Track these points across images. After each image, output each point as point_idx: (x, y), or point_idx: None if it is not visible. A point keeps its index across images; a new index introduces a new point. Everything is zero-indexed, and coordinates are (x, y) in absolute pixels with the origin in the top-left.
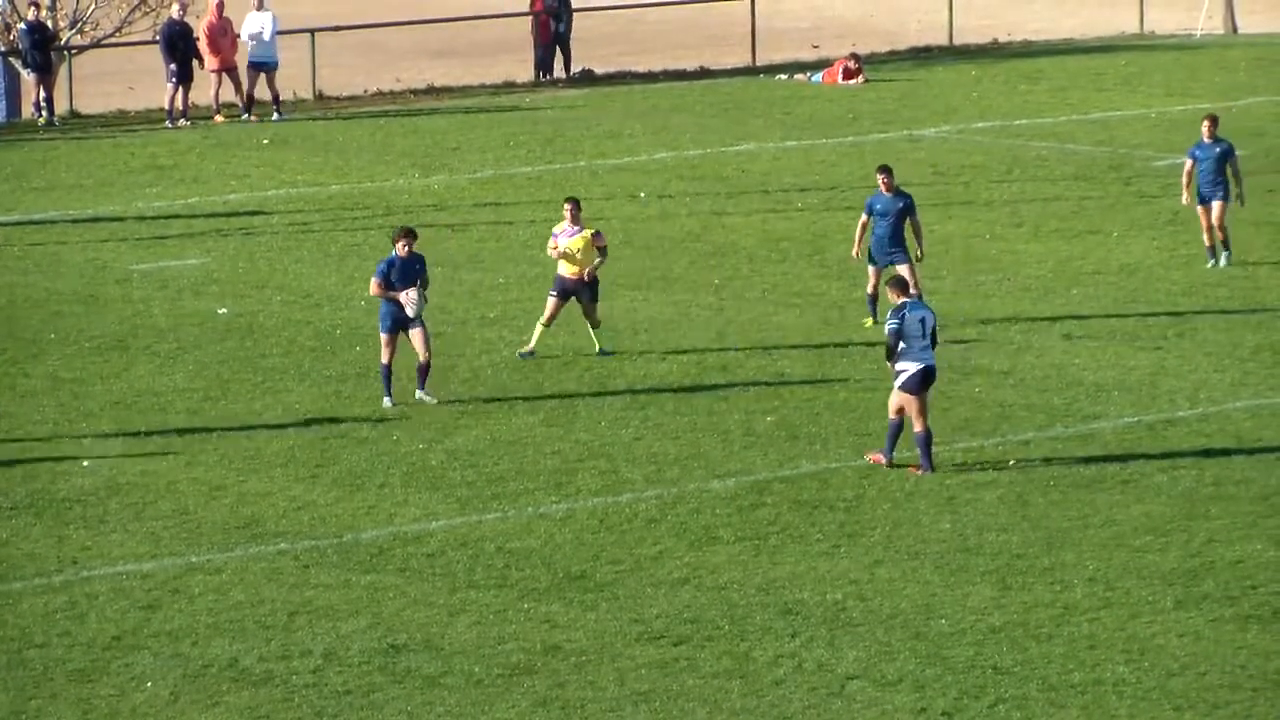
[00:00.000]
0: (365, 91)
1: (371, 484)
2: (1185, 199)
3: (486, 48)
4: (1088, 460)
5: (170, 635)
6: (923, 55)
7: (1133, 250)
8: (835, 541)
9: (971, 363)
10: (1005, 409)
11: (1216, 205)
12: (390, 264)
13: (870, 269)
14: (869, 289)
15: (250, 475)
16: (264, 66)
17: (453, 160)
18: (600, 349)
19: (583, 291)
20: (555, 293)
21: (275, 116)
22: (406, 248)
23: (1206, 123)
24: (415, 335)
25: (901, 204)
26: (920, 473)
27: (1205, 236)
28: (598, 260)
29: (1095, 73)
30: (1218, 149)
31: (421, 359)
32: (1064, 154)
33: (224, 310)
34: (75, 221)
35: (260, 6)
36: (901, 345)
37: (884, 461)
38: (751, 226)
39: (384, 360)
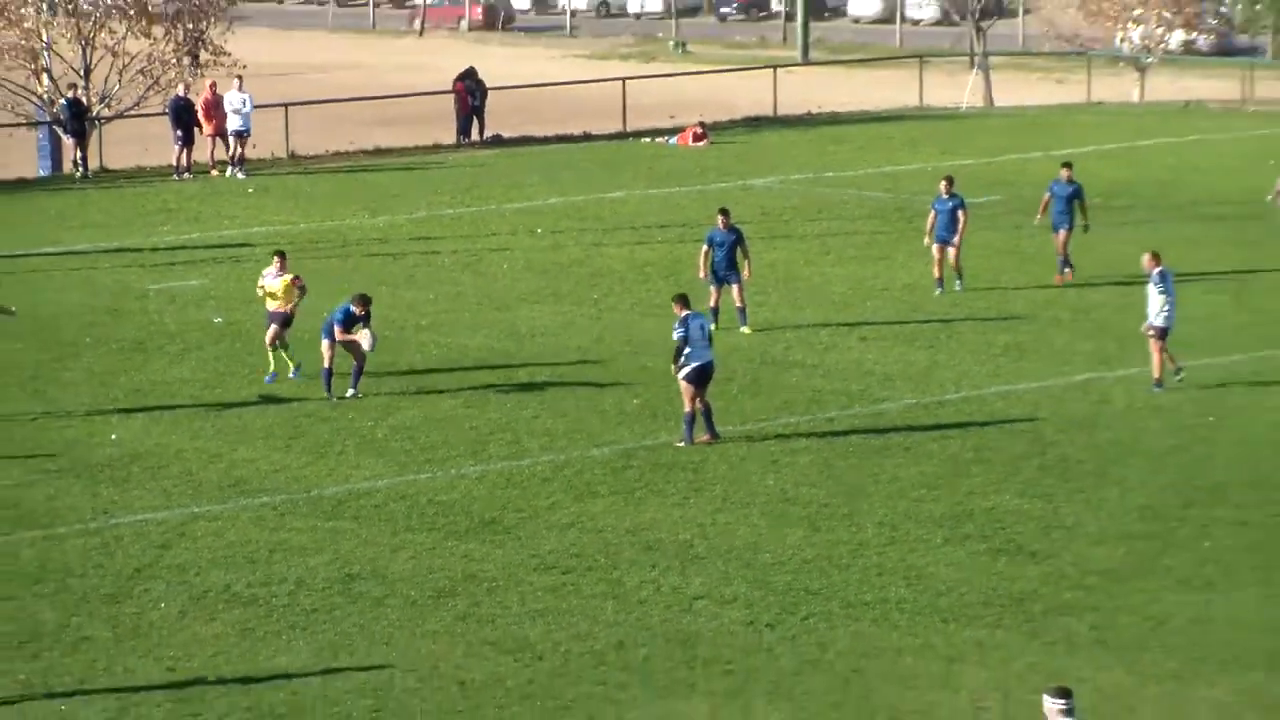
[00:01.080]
0: (326, 151)
1: (332, 452)
2: (926, 240)
3: (419, 118)
4: (878, 432)
5: (179, 568)
6: (754, 123)
7: (912, 272)
8: (685, 495)
9: (789, 358)
10: (815, 393)
11: (951, 249)
12: (346, 313)
13: (712, 287)
14: (711, 303)
15: (240, 445)
16: (241, 134)
17: (393, 205)
18: (298, 366)
19: (281, 321)
20: (271, 324)
21: (240, 174)
22: (363, 307)
23: (944, 182)
24: (355, 348)
25: (734, 236)
26: (709, 442)
27: (936, 269)
28: (298, 297)
29: (885, 137)
30: (952, 203)
31: (357, 363)
32: (861, 199)
33: (219, 319)
34: (104, 251)
35: (240, 87)
36: (687, 349)
37: (692, 443)
38: (622, 255)
39: (325, 364)
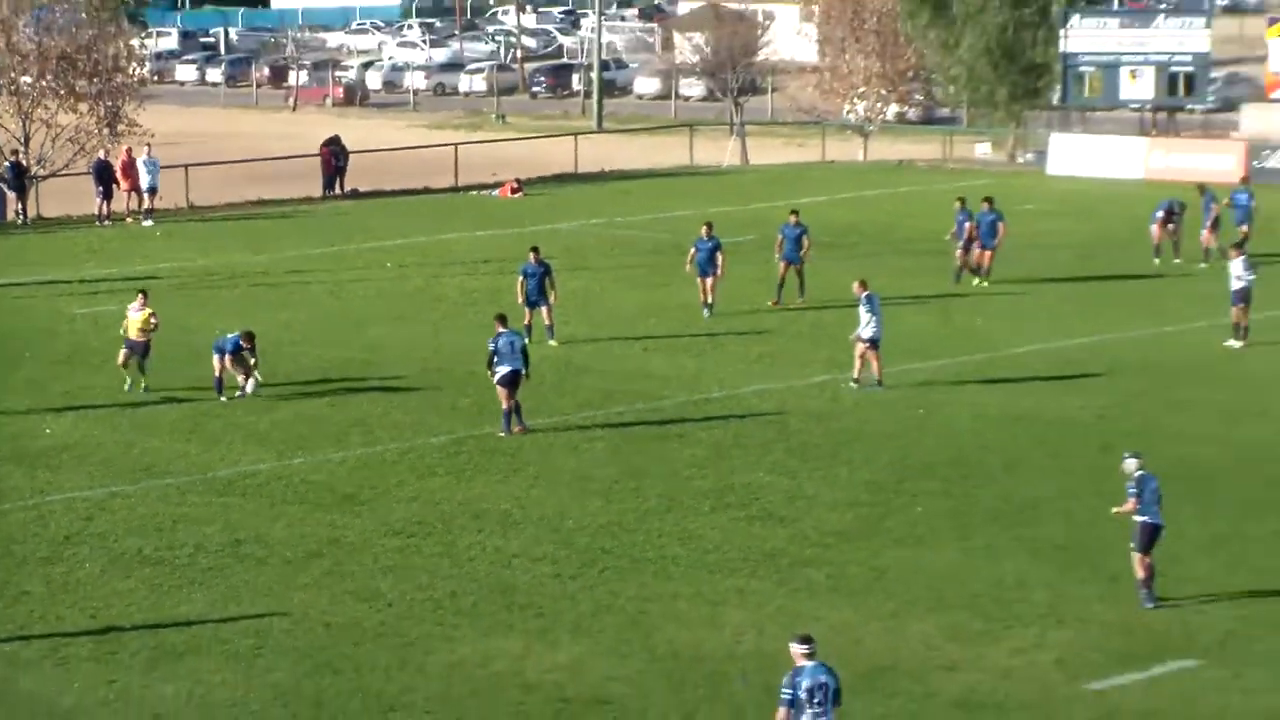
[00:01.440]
0: (219, 203)
1: (224, 442)
2: (688, 269)
3: (293, 175)
4: (657, 423)
5: (100, 535)
6: (559, 179)
7: (685, 296)
8: (505, 474)
9: (588, 365)
10: (608, 393)
11: (710, 279)
12: (236, 345)
13: (526, 310)
14: (525, 322)
15: (149, 437)
16: (152, 190)
17: (272, 245)
18: (145, 387)
19: (141, 350)
20: (126, 349)
21: (148, 222)
22: (249, 343)
23: (705, 226)
24: (234, 362)
25: (543, 269)
26: (522, 432)
27: (700, 295)
28: (153, 329)
29: (663, 189)
30: (711, 243)
31: (251, 377)
32: (645, 238)
33: None
34: (40, 283)
35: (150, 152)
36: (501, 357)
37: (509, 433)
38: (455, 284)
39: (216, 374)
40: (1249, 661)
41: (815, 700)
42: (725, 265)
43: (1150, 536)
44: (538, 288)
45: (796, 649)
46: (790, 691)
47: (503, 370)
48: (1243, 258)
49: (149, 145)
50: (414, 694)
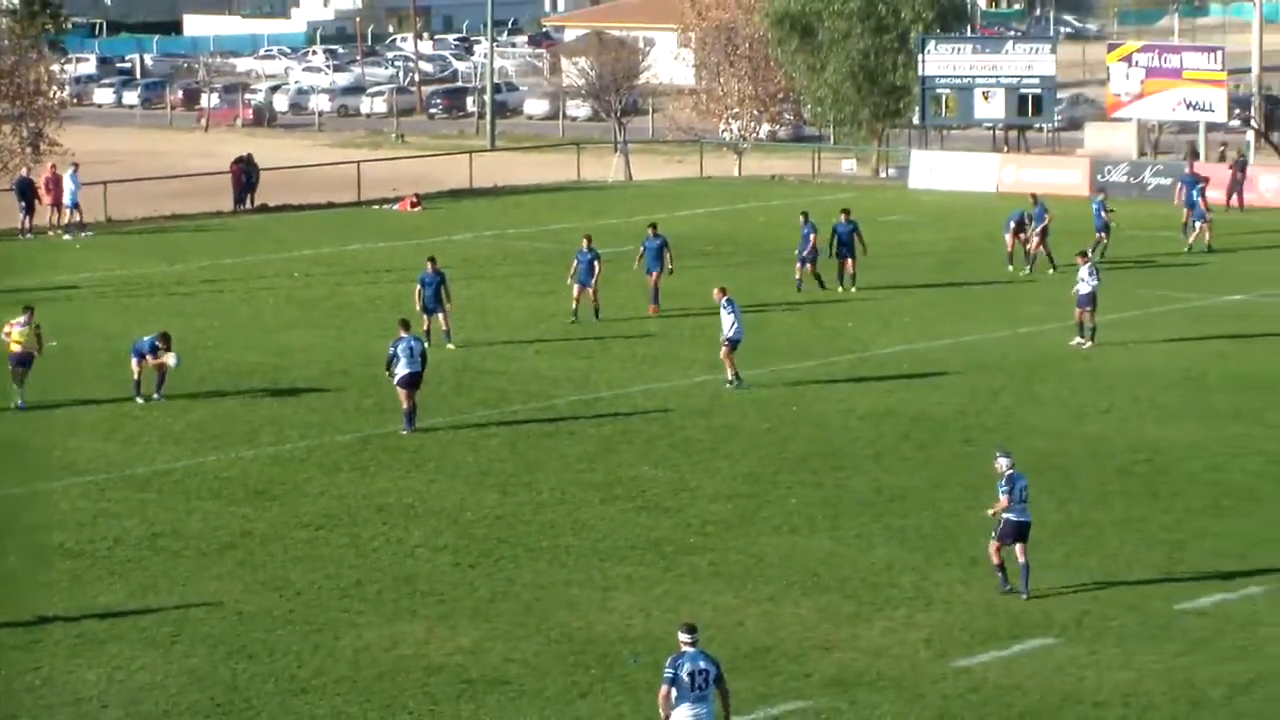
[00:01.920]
0: (136, 217)
1: (141, 441)
2: (569, 281)
3: (206, 191)
4: (550, 421)
5: (25, 531)
6: (456, 194)
7: (573, 303)
8: (407, 470)
9: (484, 367)
10: (503, 392)
11: (589, 288)
12: (152, 346)
13: (424, 316)
14: (424, 328)
15: (70, 437)
16: (73, 205)
17: (186, 256)
18: (20, 404)
19: (29, 362)
20: (13, 365)
21: (68, 236)
22: (165, 343)
23: (584, 239)
24: (162, 368)
25: (439, 278)
26: (406, 432)
27: (573, 303)
28: (37, 345)
29: (551, 203)
30: (590, 255)
31: (161, 376)
32: (535, 249)
33: (55, 344)
34: None
35: (73, 170)
36: (399, 360)
37: (411, 431)
38: (359, 292)
39: (135, 376)
40: (1103, 639)
41: (696, 684)
42: (601, 274)
43: (1015, 532)
44: (434, 295)
45: (681, 637)
46: (672, 671)
47: (402, 372)
48: (1089, 264)
49: (75, 165)
50: (324, 677)
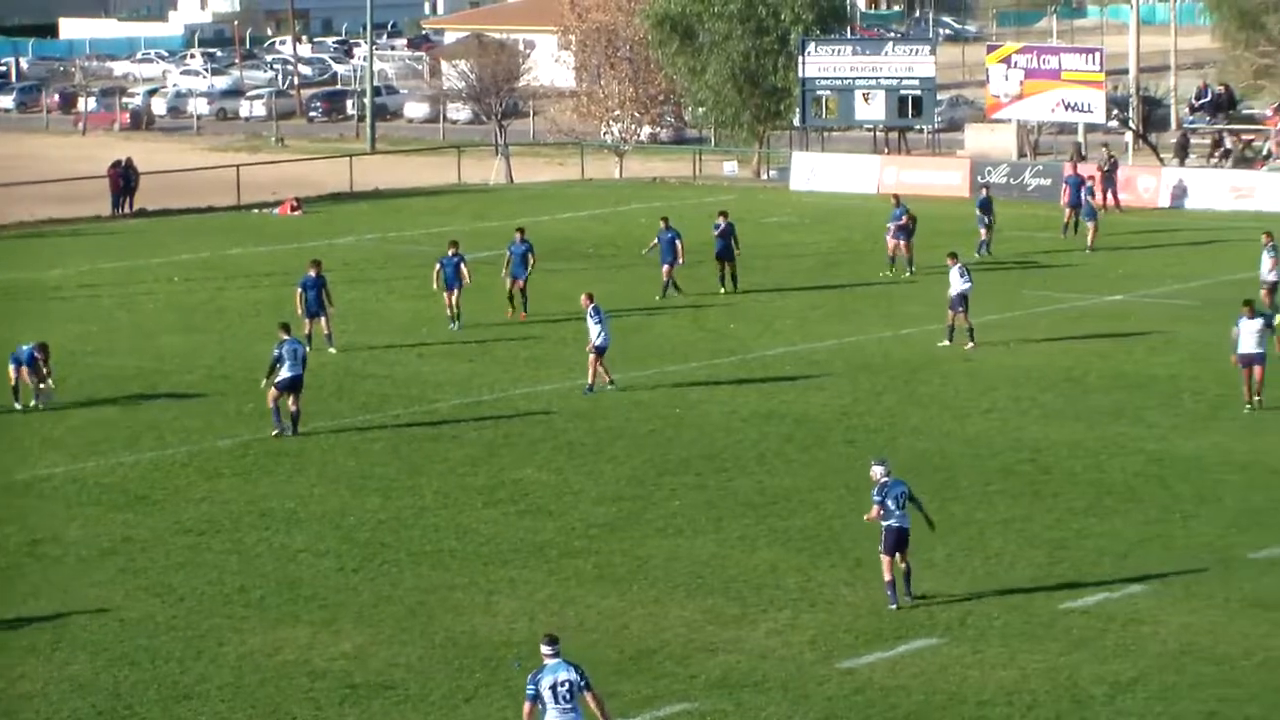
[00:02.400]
0: (12, 221)
1: (21, 446)
2: (435, 286)
3: (82, 196)
4: (432, 424)
5: None
6: (336, 198)
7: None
8: (290, 475)
9: (366, 370)
10: (385, 396)
11: (455, 293)
12: (31, 358)
13: (306, 320)
14: (305, 331)
15: None
16: None
17: (65, 261)
18: None
19: None
20: None
21: None
22: (44, 354)
23: (450, 245)
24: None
25: (321, 282)
26: (279, 435)
27: (448, 308)
28: None
29: (433, 207)
30: (456, 259)
31: (45, 385)
32: (415, 252)
33: None
34: None
35: None
36: (284, 363)
37: (281, 426)
38: (239, 296)
39: (11, 383)
40: (987, 638)
41: (559, 696)
42: (469, 278)
43: (894, 539)
44: (317, 299)
45: (543, 649)
46: (533, 687)
47: (284, 375)
48: (959, 265)
49: None
50: (208, 683)
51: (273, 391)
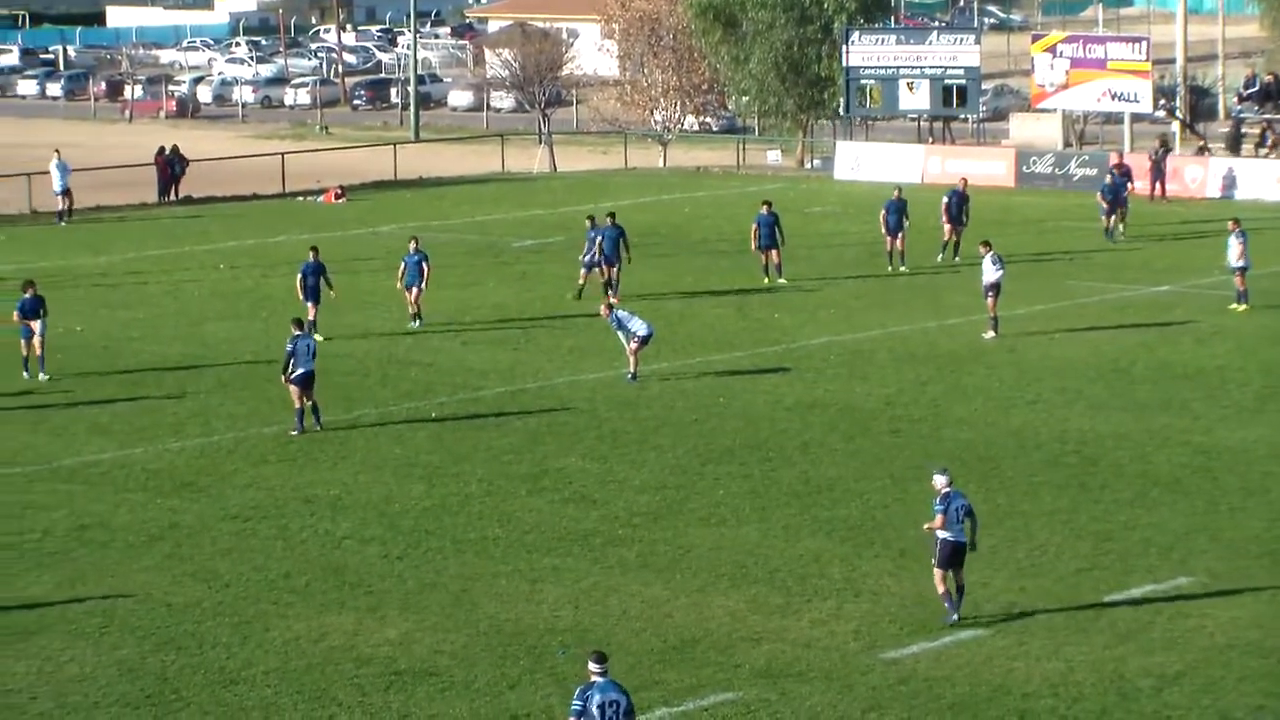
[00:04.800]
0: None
1: (68, 433)
2: (399, 285)
3: (130, 183)
4: (476, 416)
5: None
6: (380, 186)
7: (500, 294)
8: (334, 462)
9: (410, 359)
10: (429, 384)
11: (416, 290)
12: (24, 304)
13: (309, 305)
14: (310, 318)
15: None
16: (64, 192)
17: (111, 248)
18: None
19: None
20: None
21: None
22: (30, 290)
23: (411, 241)
24: (37, 341)
25: (321, 267)
26: (295, 433)
27: (410, 307)
28: None
29: (476, 195)
30: (417, 255)
31: (38, 352)
32: (461, 240)
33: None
34: None
35: (59, 157)
36: (298, 359)
37: (302, 431)
38: (283, 284)
39: (24, 354)
40: (1032, 630)
41: (606, 716)
42: (430, 276)
43: (950, 553)
44: (314, 286)
45: (592, 667)
46: (580, 704)
47: (298, 371)
48: (991, 253)
49: (58, 151)
50: (254, 668)
51: (294, 389)
